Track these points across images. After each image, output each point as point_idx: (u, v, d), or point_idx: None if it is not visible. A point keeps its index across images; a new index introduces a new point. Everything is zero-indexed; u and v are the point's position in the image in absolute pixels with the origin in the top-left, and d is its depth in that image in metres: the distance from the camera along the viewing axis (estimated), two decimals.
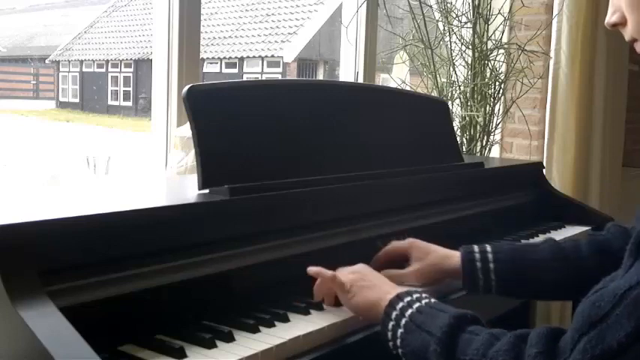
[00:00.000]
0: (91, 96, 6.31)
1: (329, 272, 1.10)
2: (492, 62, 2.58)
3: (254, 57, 6.63)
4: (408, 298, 1.00)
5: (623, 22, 0.97)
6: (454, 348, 0.89)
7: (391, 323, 0.98)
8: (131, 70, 6.13)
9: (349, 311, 1.07)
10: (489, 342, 0.87)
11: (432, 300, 1.00)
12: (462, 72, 2.63)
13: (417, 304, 0.98)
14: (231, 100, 1.25)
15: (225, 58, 6.68)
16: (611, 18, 0.98)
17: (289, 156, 1.31)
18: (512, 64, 2.58)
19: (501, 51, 2.62)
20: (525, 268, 1.23)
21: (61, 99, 6.14)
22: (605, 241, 1.27)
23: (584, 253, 1.24)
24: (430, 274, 1.24)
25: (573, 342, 0.78)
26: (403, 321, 0.97)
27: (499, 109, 2.65)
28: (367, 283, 1.06)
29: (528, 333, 0.86)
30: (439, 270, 1.24)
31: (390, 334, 0.98)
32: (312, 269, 1.12)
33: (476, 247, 1.24)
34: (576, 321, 0.80)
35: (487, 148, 2.62)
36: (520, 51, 2.57)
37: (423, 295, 1.01)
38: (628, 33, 0.97)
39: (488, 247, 1.24)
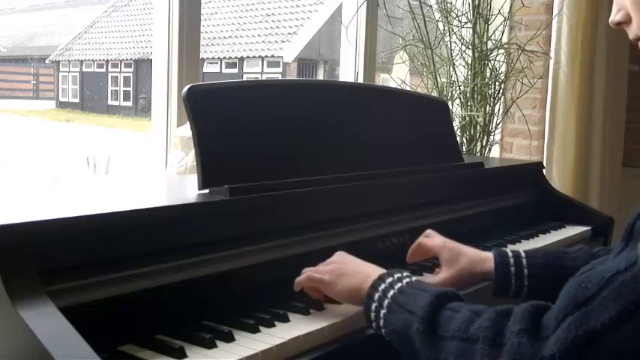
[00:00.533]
0: (91, 96, 6.31)
1: (303, 276, 1.09)
2: (492, 62, 2.58)
3: (254, 57, 6.63)
4: (390, 279, 1.00)
5: (627, 21, 0.97)
6: (436, 326, 0.90)
7: (374, 305, 0.99)
8: (131, 70, 6.13)
9: (349, 311, 1.07)
10: (470, 318, 0.88)
11: (414, 279, 1.01)
12: (462, 72, 2.63)
13: (398, 284, 0.99)
14: (231, 100, 1.25)
15: (225, 58, 6.68)
16: (615, 16, 0.98)
17: (289, 156, 1.31)
18: (512, 64, 2.59)
19: (501, 51, 2.62)
20: (560, 275, 1.21)
21: (61, 99, 6.14)
22: None
23: None
24: (462, 279, 1.23)
25: (557, 320, 0.79)
26: (386, 302, 0.97)
27: (499, 109, 2.65)
28: (346, 270, 1.06)
29: (510, 309, 0.86)
30: (471, 274, 1.23)
31: (372, 314, 0.99)
32: (295, 285, 1.11)
33: (509, 252, 1.23)
34: (562, 300, 0.81)
35: (487, 148, 2.62)
36: (520, 51, 2.57)
37: (404, 274, 1.02)
38: (632, 31, 0.97)
39: (522, 252, 1.23)
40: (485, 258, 1.23)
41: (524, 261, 1.21)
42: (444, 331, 0.89)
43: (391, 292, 0.98)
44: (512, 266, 1.21)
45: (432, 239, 1.29)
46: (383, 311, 0.97)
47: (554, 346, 0.77)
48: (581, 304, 0.77)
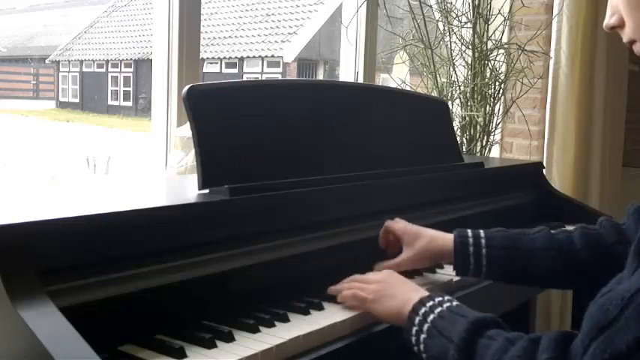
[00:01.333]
0: (91, 96, 6.31)
1: (349, 292, 1.10)
2: (492, 62, 2.58)
3: (254, 57, 6.63)
4: (430, 303, 1.01)
5: (621, 25, 0.97)
6: (472, 354, 0.91)
7: (414, 329, 0.99)
8: (131, 70, 6.13)
9: (349, 311, 1.08)
10: (504, 347, 0.88)
11: (455, 303, 1.01)
12: (462, 72, 2.63)
13: (438, 309, 0.99)
14: (231, 100, 1.25)
15: (225, 58, 6.68)
16: (609, 20, 0.99)
17: (289, 156, 1.31)
18: (512, 64, 2.58)
19: (501, 51, 2.62)
20: (517, 256, 1.24)
21: (61, 99, 6.14)
22: (597, 235, 1.27)
23: (577, 246, 1.25)
24: (421, 259, 1.27)
25: (584, 347, 0.79)
26: (425, 326, 0.98)
27: (499, 109, 2.65)
28: (389, 292, 1.07)
29: (541, 337, 0.87)
30: (431, 253, 1.27)
31: (413, 339, 0.99)
32: (331, 289, 1.13)
33: (469, 232, 1.26)
34: (586, 325, 0.80)
35: (487, 148, 2.62)
36: (520, 51, 2.57)
37: (446, 298, 1.02)
38: (626, 35, 0.97)
39: (482, 233, 1.26)
40: (445, 237, 1.27)
41: (482, 241, 1.24)
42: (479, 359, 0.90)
43: (431, 317, 0.99)
44: (471, 246, 1.24)
45: (397, 223, 1.32)
46: (423, 336, 0.98)
47: None
48: (604, 328, 0.77)
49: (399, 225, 1.32)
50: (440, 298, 1.02)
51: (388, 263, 1.26)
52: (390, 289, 1.08)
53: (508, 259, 1.24)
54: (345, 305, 1.10)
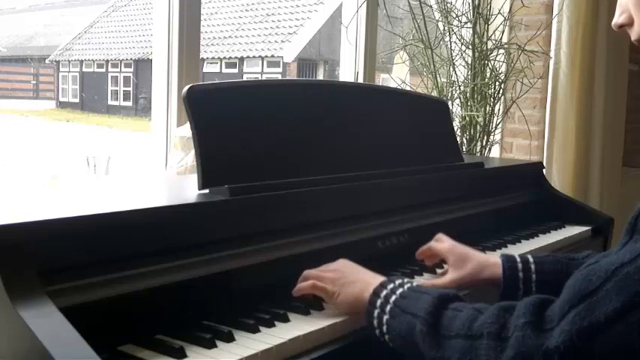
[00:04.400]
0: (91, 96, 6.31)
1: (308, 282, 1.10)
2: (492, 62, 2.58)
3: (254, 57, 6.63)
4: (391, 285, 1.01)
5: (630, 23, 0.98)
6: (439, 326, 0.91)
7: (376, 311, 0.99)
8: (131, 70, 6.12)
9: None
10: (473, 316, 0.89)
11: (415, 283, 1.02)
12: (462, 72, 2.63)
13: (400, 290, 1.00)
14: (231, 100, 1.25)
15: (225, 58, 6.68)
16: (618, 19, 0.99)
17: (289, 156, 1.31)
18: (512, 64, 2.59)
19: (501, 51, 2.62)
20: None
21: (61, 99, 6.13)
22: None
23: None
24: (467, 283, 1.24)
25: (562, 312, 0.80)
26: (388, 307, 0.98)
27: (499, 109, 2.65)
28: (348, 280, 1.07)
29: (513, 305, 0.87)
30: (477, 278, 1.24)
31: (375, 321, 0.99)
32: (295, 291, 1.10)
33: (517, 257, 1.23)
34: (566, 293, 0.81)
35: (487, 148, 2.62)
36: (520, 51, 2.57)
37: (405, 280, 1.03)
38: (635, 32, 0.98)
39: (530, 258, 1.23)
40: (493, 263, 1.23)
41: (532, 267, 1.21)
42: (447, 331, 0.90)
43: (393, 298, 0.99)
44: (520, 272, 1.21)
45: (442, 243, 1.30)
46: (386, 317, 0.98)
47: (558, 337, 0.78)
48: (585, 297, 0.78)
49: (443, 245, 1.29)
50: (400, 280, 1.02)
51: (435, 282, 1.24)
52: (348, 277, 1.07)
53: (558, 284, 1.22)
54: (300, 294, 1.09)
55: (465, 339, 0.87)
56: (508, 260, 1.22)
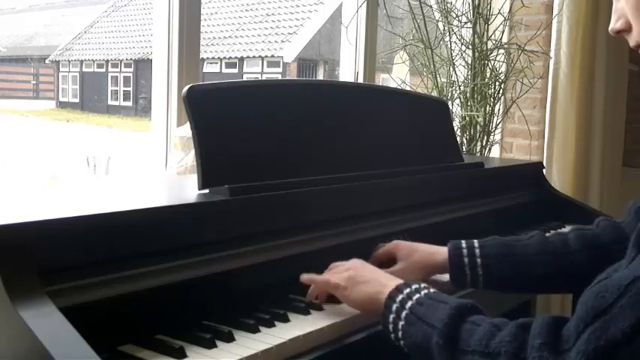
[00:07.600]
0: (91, 96, 6.31)
1: (321, 277, 1.10)
2: (492, 62, 2.58)
3: (254, 57, 6.63)
4: (407, 290, 1.00)
5: (627, 29, 0.97)
6: (456, 339, 0.90)
7: (392, 316, 0.98)
8: (131, 70, 6.12)
9: (349, 311, 1.07)
10: (491, 332, 0.88)
11: (432, 290, 1.00)
12: (462, 72, 2.63)
13: (416, 296, 0.98)
14: (231, 100, 1.25)
15: (225, 58, 6.68)
16: (615, 24, 0.99)
17: (289, 156, 1.31)
18: (512, 64, 2.58)
19: (501, 51, 2.62)
20: (513, 263, 1.24)
21: (61, 99, 6.14)
22: (594, 236, 1.27)
23: (573, 248, 1.25)
24: (417, 271, 1.25)
25: (577, 332, 0.78)
26: (404, 313, 0.97)
27: (499, 109, 2.65)
28: (363, 278, 1.06)
29: (530, 322, 0.86)
30: (426, 266, 1.26)
31: (391, 326, 0.98)
32: (304, 277, 1.12)
33: (463, 242, 1.25)
34: (580, 310, 0.80)
35: (487, 148, 2.62)
36: (520, 51, 2.57)
37: (422, 285, 1.01)
38: (633, 39, 0.97)
39: (476, 242, 1.25)
40: (441, 250, 1.26)
41: (477, 251, 1.23)
42: (464, 345, 0.89)
43: (409, 304, 0.97)
44: (466, 257, 1.23)
45: (389, 243, 1.31)
46: (401, 323, 0.97)
47: (575, 358, 0.77)
48: (600, 314, 0.77)
49: (388, 245, 1.30)
50: (416, 285, 1.01)
51: (390, 270, 1.22)
52: (363, 276, 1.07)
53: (504, 266, 1.23)
54: (314, 292, 1.10)
55: (481, 356, 0.86)
56: (454, 246, 1.25)
